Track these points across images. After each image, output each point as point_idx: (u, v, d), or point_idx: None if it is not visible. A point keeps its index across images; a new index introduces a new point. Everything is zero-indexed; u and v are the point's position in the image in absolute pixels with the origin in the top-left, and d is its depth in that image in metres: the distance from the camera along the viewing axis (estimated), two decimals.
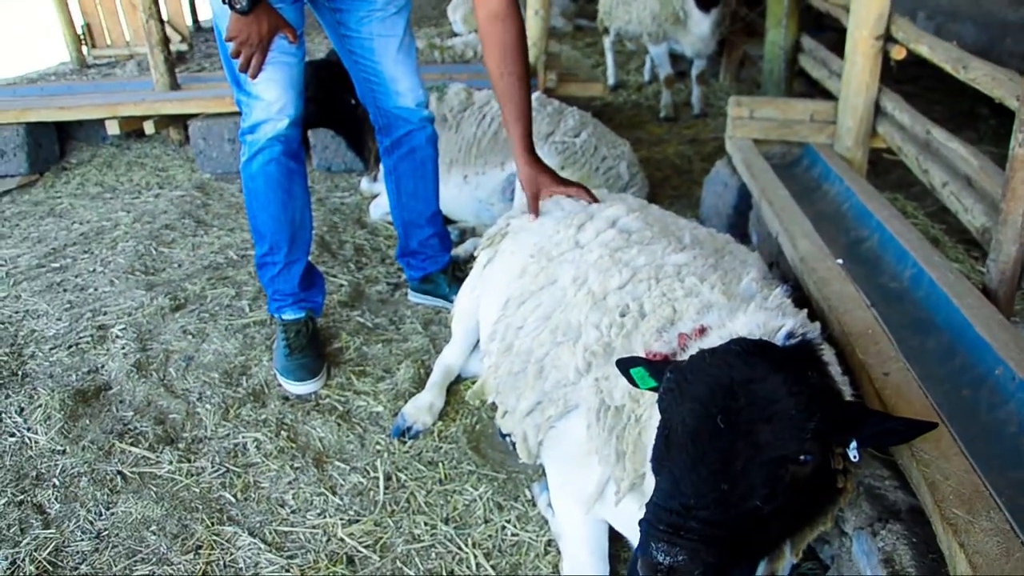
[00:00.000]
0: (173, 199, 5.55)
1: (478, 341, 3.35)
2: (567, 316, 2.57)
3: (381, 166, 3.92)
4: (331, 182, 5.83)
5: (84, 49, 10.11)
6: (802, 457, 1.64)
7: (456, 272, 4.05)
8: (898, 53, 3.86)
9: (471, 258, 4.58)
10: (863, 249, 3.27)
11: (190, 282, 4.30)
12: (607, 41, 8.06)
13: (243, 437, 3.10)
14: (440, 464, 2.98)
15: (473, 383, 3.42)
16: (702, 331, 2.13)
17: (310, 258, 3.59)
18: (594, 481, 2.32)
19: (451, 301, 3.99)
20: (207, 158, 6.04)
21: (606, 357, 2.37)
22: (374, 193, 5.44)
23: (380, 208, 5.13)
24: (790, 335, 1.94)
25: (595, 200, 3.11)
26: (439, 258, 4.00)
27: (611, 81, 8.13)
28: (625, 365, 2.01)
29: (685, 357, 2.04)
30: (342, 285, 4.24)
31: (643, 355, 2.22)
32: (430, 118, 3.72)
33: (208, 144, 6.00)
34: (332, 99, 4.92)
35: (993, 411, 2.23)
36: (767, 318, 2.04)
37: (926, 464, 1.87)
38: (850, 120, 4.03)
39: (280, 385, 3.42)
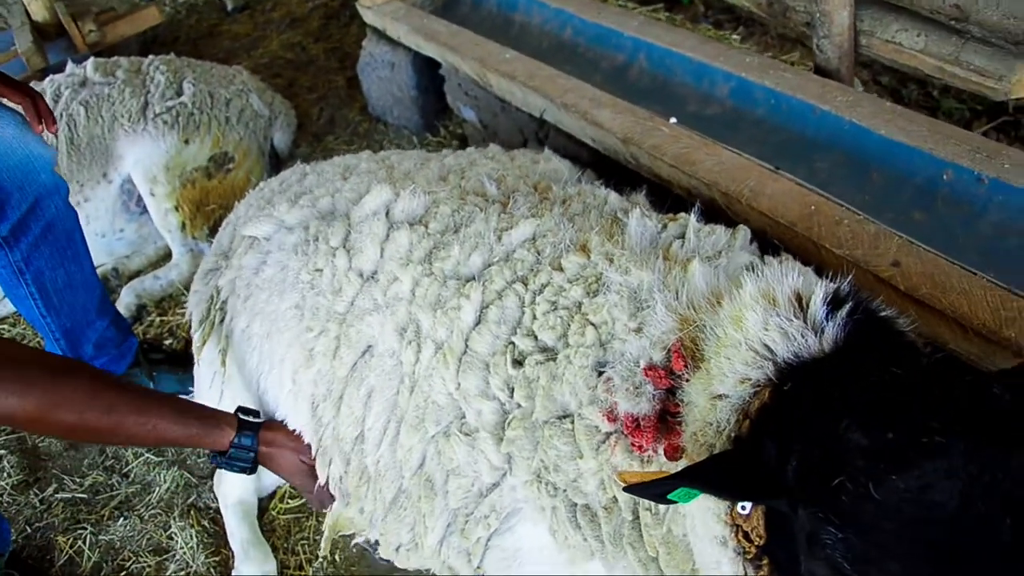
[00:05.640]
0: None
1: None
2: (425, 395, 1.67)
3: None
4: None
5: None
6: None
7: (150, 354, 2.84)
8: None
9: (141, 310, 3.34)
10: (632, 79, 2.61)
11: None
12: None
13: None
14: None
15: (281, 501, 2.42)
16: (680, 350, 1.37)
17: None
18: None
19: (166, 391, 2.82)
20: None
21: (531, 436, 1.54)
22: None
23: None
24: (835, 300, 1.25)
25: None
26: (125, 348, 2.75)
27: None
28: (650, 491, 1.20)
29: (687, 400, 1.32)
30: (1, 456, 2.83)
31: (601, 419, 1.44)
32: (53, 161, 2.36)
33: None
34: None
35: (974, 224, 1.76)
36: (769, 286, 1.32)
37: None
38: None
39: None
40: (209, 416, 1.74)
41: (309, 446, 1.86)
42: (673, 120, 2.10)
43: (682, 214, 1.68)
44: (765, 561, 1.28)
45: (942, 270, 1.51)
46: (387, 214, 1.85)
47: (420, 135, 3.77)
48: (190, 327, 2.33)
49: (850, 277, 1.30)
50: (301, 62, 4.79)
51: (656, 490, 1.18)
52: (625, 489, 1.22)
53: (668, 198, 1.94)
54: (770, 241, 1.77)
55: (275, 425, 1.86)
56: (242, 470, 1.79)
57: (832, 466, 0.99)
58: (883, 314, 1.28)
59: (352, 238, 1.84)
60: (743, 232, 1.62)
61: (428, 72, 3.48)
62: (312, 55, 4.82)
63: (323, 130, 4.11)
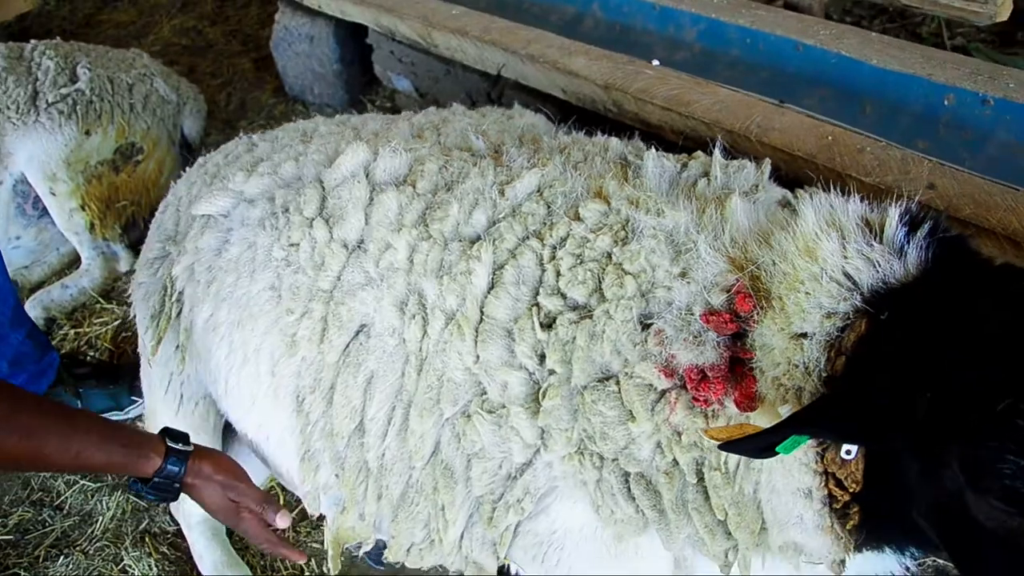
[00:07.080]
0: None
1: None
2: (438, 373, 1.49)
3: None
4: None
5: None
6: None
7: (73, 369, 2.53)
8: None
9: (51, 324, 3.00)
10: (587, 30, 2.47)
11: None
12: None
13: None
14: None
15: None
16: (745, 291, 1.24)
17: None
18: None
19: (97, 410, 2.53)
20: None
21: (568, 404, 1.39)
22: None
23: None
24: (910, 219, 1.16)
25: None
26: (45, 364, 2.44)
27: None
28: (755, 445, 1.07)
29: (760, 343, 1.20)
30: None
31: (657, 375, 1.30)
32: None
33: None
34: None
35: (982, 146, 1.71)
36: (832, 214, 1.22)
37: None
38: None
39: None
40: (135, 441, 1.48)
41: (242, 477, 1.58)
42: (656, 62, 1.97)
43: (698, 152, 1.56)
44: (855, 510, 1.18)
45: (982, 189, 1.45)
46: (368, 174, 1.65)
47: (345, 112, 3.53)
48: (130, 330, 2.07)
49: (917, 197, 1.20)
50: (198, 47, 4.45)
51: (761, 443, 1.05)
52: (722, 447, 1.09)
53: (675, 148, 1.82)
54: (783, 178, 1.68)
55: (205, 453, 1.58)
56: (162, 500, 1.54)
57: (992, 390, 0.88)
58: (955, 233, 1.20)
59: (330, 205, 1.63)
60: (768, 165, 1.51)
61: (352, 43, 3.26)
62: (210, 39, 4.49)
63: (234, 116, 3.82)
